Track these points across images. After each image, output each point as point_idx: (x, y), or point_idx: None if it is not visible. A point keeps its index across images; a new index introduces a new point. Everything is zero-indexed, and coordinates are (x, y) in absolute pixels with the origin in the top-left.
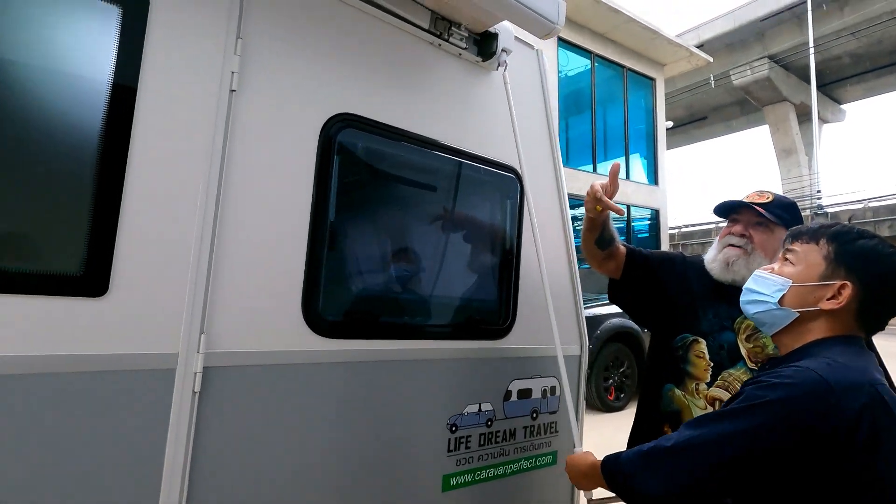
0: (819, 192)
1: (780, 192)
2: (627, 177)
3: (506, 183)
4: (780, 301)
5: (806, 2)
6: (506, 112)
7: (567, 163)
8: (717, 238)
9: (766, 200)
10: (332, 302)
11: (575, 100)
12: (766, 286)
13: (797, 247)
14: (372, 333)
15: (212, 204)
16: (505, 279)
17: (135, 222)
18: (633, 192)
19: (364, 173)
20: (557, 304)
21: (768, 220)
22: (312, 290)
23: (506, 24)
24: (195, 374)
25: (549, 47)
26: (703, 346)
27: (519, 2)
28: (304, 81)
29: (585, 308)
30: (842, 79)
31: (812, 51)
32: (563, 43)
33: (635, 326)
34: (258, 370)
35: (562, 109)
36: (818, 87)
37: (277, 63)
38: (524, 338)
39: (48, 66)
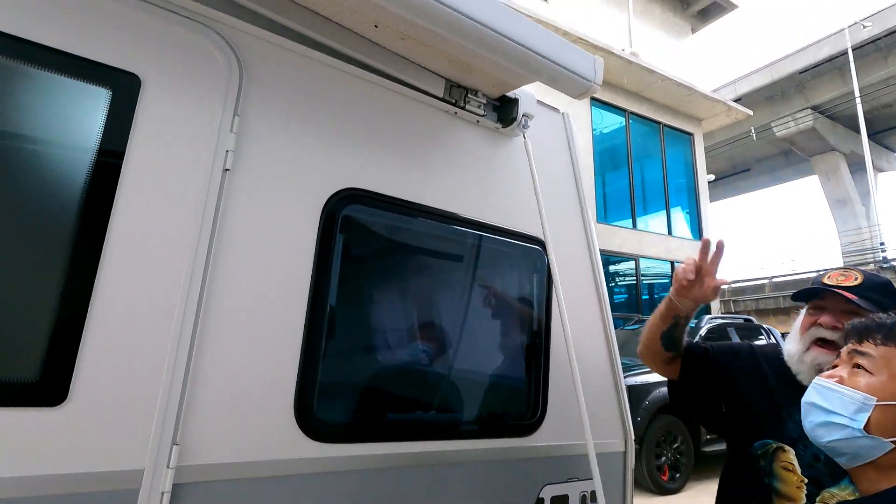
0: (882, 244)
1: (840, 243)
2: (670, 232)
3: (531, 256)
4: (866, 426)
5: (846, 53)
6: (529, 180)
7: (605, 219)
8: (799, 328)
9: (855, 283)
10: (332, 400)
11: (611, 156)
12: (840, 403)
13: (870, 349)
14: (378, 435)
15: (195, 293)
16: (532, 365)
17: (105, 315)
18: (677, 248)
19: (371, 252)
20: (593, 390)
21: (861, 307)
22: (308, 386)
23: (526, 88)
24: (162, 493)
25: (582, 107)
26: (790, 455)
27: (551, 61)
28: (306, 156)
29: (630, 375)
30: (893, 127)
31: (859, 101)
32: (597, 102)
33: None
34: (242, 485)
35: (597, 166)
36: (869, 136)
37: (277, 138)
38: (557, 433)
39: (29, 151)
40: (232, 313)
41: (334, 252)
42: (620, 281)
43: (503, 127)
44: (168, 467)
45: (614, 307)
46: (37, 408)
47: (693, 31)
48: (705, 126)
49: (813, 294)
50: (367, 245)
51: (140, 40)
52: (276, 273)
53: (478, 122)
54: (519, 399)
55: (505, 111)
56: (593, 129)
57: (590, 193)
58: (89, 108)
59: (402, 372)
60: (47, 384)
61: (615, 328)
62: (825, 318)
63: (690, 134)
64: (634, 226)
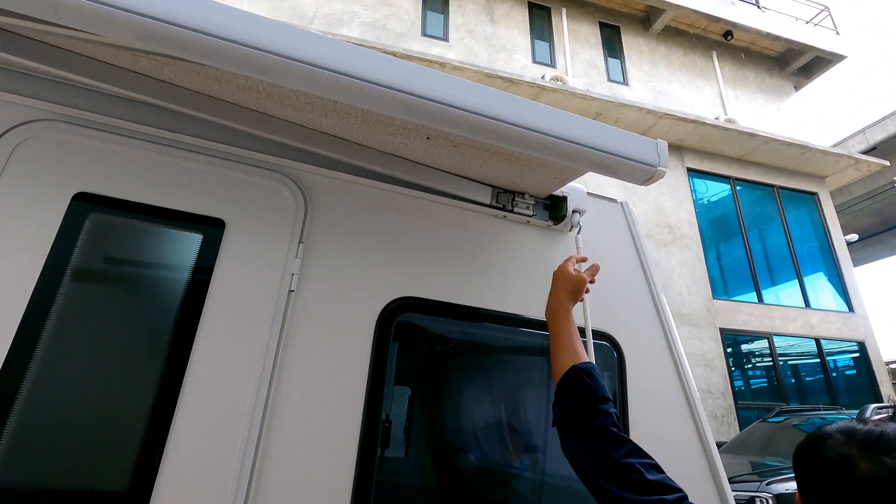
0: None
1: None
2: (807, 304)
3: (599, 352)
4: None
5: None
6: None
7: (725, 294)
8: None
9: None
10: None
11: (720, 226)
12: None
13: None
14: None
15: (259, 411)
16: None
17: (183, 434)
18: (821, 322)
19: (428, 358)
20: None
21: None
22: (363, 494)
23: (573, 184)
24: None
25: (678, 179)
26: None
27: (608, 153)
28: (362, 271)
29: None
30: None
31: None
32: (695, 172)
33: None
34: None
35: (707, 238)
36: None
37: (335, 258)
38: None
39: (133, 287)
40: (293, 428)
41: (389, 359)
42: (756, 363)
43: (555, 224)
44: None
45: (751, 394)
46: None
47: (796, 88)
48: (832, 182)
49: None
50: (422, 350)
51: (224, 190)
52: (334, 385)
53: (528, 221)
54: None
55: (555, 208)
56: (697, 199)
57: (700, 269)
58: (185, 250)
59: (468, 481)
60: (134, 495)
61: (756, 419)
62: None
63: (813, 193)
64: (760, 299)
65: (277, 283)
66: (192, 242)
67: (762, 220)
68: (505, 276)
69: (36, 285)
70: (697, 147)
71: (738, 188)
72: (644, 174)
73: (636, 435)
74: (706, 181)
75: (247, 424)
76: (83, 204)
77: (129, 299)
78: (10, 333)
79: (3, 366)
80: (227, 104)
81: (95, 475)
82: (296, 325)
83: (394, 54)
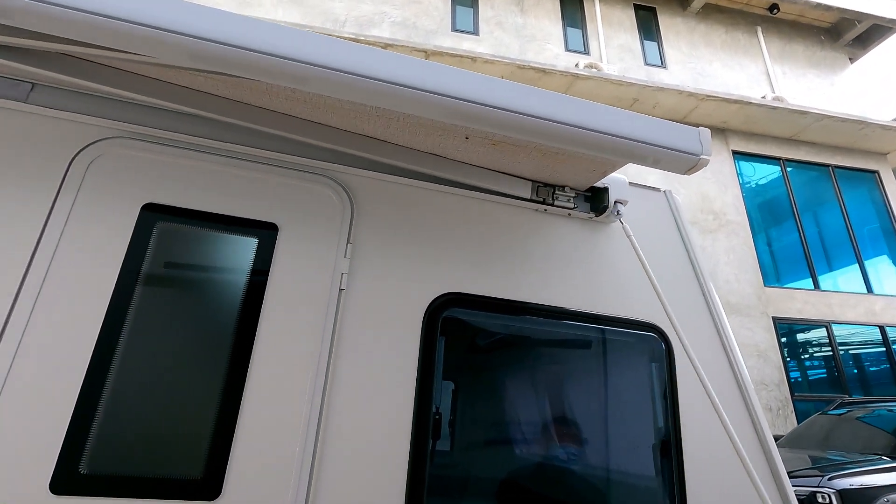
0: None
1: None
2: (870, 290)
3: (646, 344)
4: None
5: None
6: (633, 264)
7: (777, 281)
8: None
9: None
10: (441, 496)
11: (770, 210)
12: None
13: None
14: None
15: (316, 406)
16: (665, 464)
17: (250, 423)
18: (885, 309)
19: (474, 351)
20: (739, 486)
21: None
22: (417, 486)
23: (614, 175)
24: None
25: (723, 163)
26: None
27: (648, 144)
28: (408, 269)
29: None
30: None
31: None
32: (740, 155)
33: None
34: None
35: (755, 223)
36: None
37: (382, 257)
38: None
39: (201, 288)
40: (349, 420)
41: (437, 353)
42: (814, 353)
43: (597, 216)
44: None
45: (808, 386)
46: (198, 501)
47: (852, 60)
48: (893, 160)
49: None
50: (469, 344)
51: (275, 195)
52: (385, 380)
53: (569, 214)
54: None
55: (597, 200)
56: (743, 183)
57: (749, 256)
58: (242, 254)
59: (516, 476)
60: (207, 481)
61: (815, 412)
62: None
63: (873, 171)
64: (816, 286)
65: (328, 283)
66: (248, 246)
67: (817, 201)
68: (547, 270)
69: (114, 290)
70: (743, 128)
71: (788, 169)
72: (686, 164)
73: (689, 429)
74: (753, 164)
75: (306, 416)
76: (151, 214)
77: (194, 301)
78: (93, 334)
79: (89, 364)
80: (276, 114)
81: (174, 463)
82: (347, 323)
83: (424, 52)
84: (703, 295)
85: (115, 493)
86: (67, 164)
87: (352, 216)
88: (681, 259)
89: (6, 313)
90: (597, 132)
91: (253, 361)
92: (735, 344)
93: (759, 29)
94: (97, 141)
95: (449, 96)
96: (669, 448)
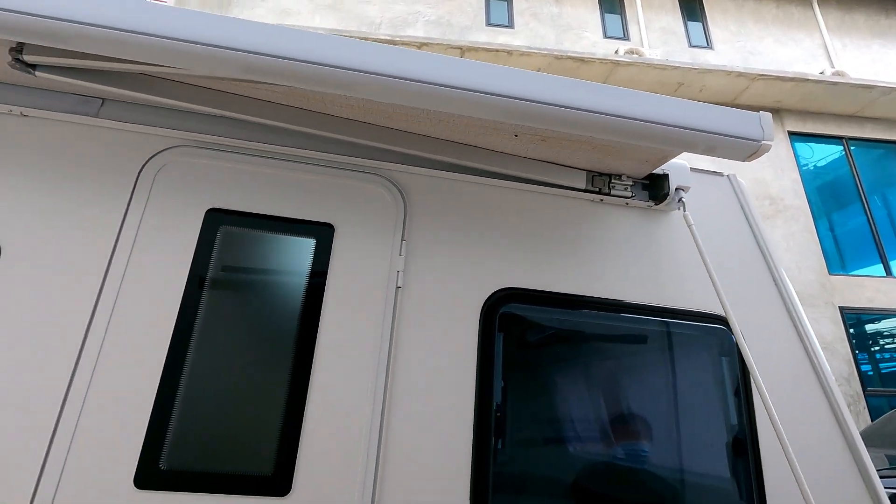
0: None
1: None
2: None
3: (714, 337)
4: None
5: None
6: (696, 253)
7: (842, 269)
8: None
9: None
10: (506, 493)
11: (832, 193)
12: None
13: None
14: None
15: (379, 404)
16: (740, 464)
17: (315, 423)
18: None
19: (534, 346)
20: (824, 488)
21: None
22: (482, 482)
23: (675, 161)
24: None
25: (778, 146)
26: None
27: (703, 131)
28: (463, 265)
29: None
30: None
31: None
32: (797, 135)
33: None
34: None
35: (816, 207)
36: None
37: (436, 253)
38: None
39: (264, 289)
40: (411, 417)
41: (496, 350)
42: (886, 344)
43: (656, 204)
44: None
45: (881, 380)
46: (270, 497)
47: None
48: None
49: None
50: (527, 340)
51: (330, 196)
52: (445, 377)
53: (627, 203)
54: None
55: (656, 187)
56: (801, 166)
57: (811, 242)
58: (301, 254)
59: (579, 470)
60: (277, 478)
61: (890, 408)
62: None
63: None
64: (888, 272)
65: (385, 281)
66: (307, 247)
67: (886, 181)
68: (606, 262)
69: (184, 292)
70: (799, 107)
71: (852, 148)
72: (746, 150)
73: (766, 429)
74: (811, 144)
75: (368, 415)
76: (215, 218)
77: (257, 301)
78: (167, 336)
79: (164, 365)
80: (328, 116)
81: (245, 461)
82: (405, 320)
83: (459, 48)
84: (776, 284)
85: (192, 488)
86: (137, 173)
87: (405, 213)
88: (749, 247)
89: (88, 319)
90: (649, 122)
91: (315, 360)
92: (813, 334)
93: (815, 0)
94: (163, 150)
95: (494, 94)
96: (744, 446)
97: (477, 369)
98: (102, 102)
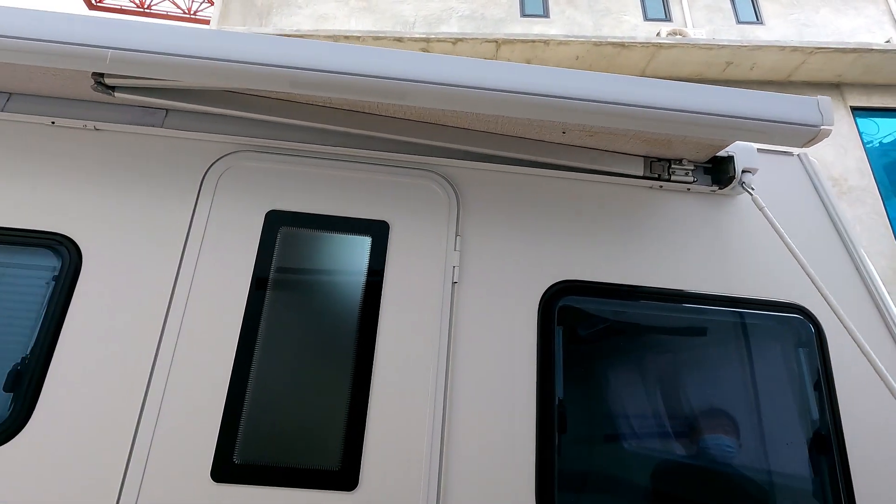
0: None
1: None
2: None
3: (790, 327)
4: None
5: None
6: (766, 239)
7: None
8: None
9: None
10: (572, 490)
11: None
12: None
13: None
14: None
15: (440, 399)
16: (823, 461)
17: (378, 422)
18: None
19: (594, 340)
20: None
21: None
22: (547, 477)
23: (740, 142)
24: None
25: (839, 121)
26: None
27: (759, 119)
28: (519, 258)
29: None
30: None
31: None
32: (860, 111)
33: None
34: None
35: (885, 186)
36: None
37: (491, 247)
38: None
39: (325, 286)
40: (472, 412)
41: (556, 343)
42: None
43: (721, 188)
44: None
45: None
46: (338, 491)
47: None
48: None
49: None
50: (588, 334)
51: (384, 193)
52: (505, 371)
53: (688, 189)
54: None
55: (720, 171)
56: (866, 143)
57: (881, 225)
58: (358, 252)
59: (646, 466)
60: (345, 473)
61: None
62: None
63: None
64: None
65: (441, 276)
66: (364, 245)
67: None
68: (667, 251)
69: (248, 292)
70: (862, 80)
71: None
72: (804, 136)
73: (851, 427)
74: (875, 120)
75: (430, 410)
76: (274, 220)
77: (317, 299)
78: (235, 335)
79: (233, 364)
80: (378, 117)
81: (313, 456)
82: (462, 316)
83: (495, 41)
84: (857, 268)
85: (265, 481)
86: (201, 178)
87: (458, 208)
88: (825, 230)
89: (162, 322)
90: (700, 113)
91: (376, 355)
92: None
93: None
94: (224, 156)
95: (536, 94)
96: (828, 443)
97: (537, 364)
98: (166, 113)
